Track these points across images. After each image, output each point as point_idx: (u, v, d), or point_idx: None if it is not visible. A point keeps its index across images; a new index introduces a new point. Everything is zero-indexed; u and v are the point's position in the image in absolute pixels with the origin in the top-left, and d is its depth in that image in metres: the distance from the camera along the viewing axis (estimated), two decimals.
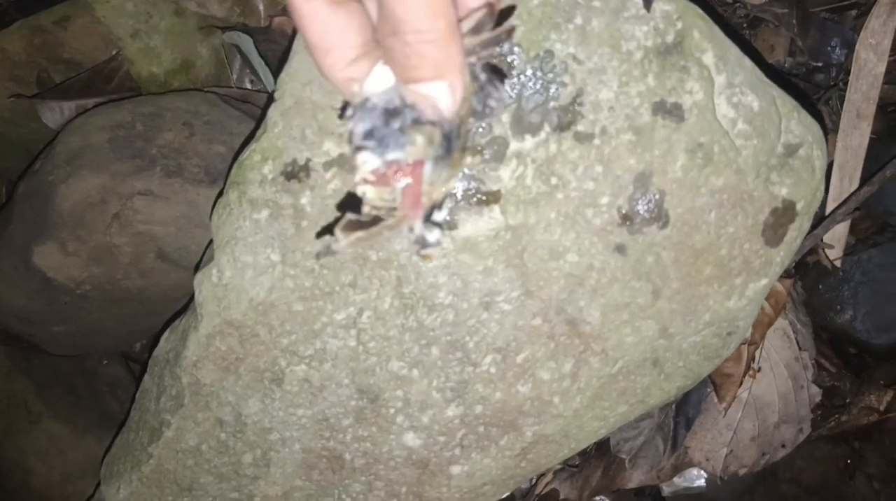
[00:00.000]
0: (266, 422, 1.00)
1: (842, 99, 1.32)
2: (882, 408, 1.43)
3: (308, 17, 0.56)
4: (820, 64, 1.38)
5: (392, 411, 0.97)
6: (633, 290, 0.92)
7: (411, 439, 0.98)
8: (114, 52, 1.32)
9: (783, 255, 0.93)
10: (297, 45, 0.93)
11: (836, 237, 1.36)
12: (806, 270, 1.43)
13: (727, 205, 0.90)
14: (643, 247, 0.90)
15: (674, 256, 0.91)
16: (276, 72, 1.30)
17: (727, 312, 0.94)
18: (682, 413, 1.33)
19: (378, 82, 0.56)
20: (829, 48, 1.38)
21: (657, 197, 0.89)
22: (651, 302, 0.92)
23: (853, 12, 1.38)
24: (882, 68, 1.29)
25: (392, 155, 0.56)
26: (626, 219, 0.89)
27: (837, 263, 1.37)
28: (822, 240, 1.34)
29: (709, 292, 0.93)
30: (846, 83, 1.31)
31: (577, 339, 0.93)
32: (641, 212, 0.89)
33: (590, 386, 0.96)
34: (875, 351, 1.42)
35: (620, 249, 0.90)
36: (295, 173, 0.92)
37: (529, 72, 0.88)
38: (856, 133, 1.31)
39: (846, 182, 1.32)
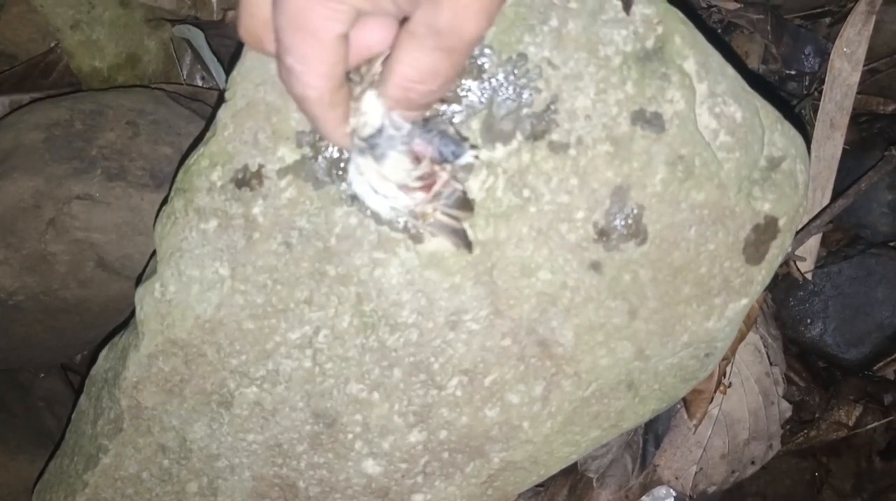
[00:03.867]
0: (213, 448, 0.93)
1: (815, 108, 1.29)
2: (851, 423, 1.41)
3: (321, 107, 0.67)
4: (793, 72, 1.35)
5: (350, 436, 0.91)
6: (609, 310, 0.87)
7: (371, 466, 0.92)
8: (52, 45, 1.24)
9: (764, 274, 0.89)
10: None
11: (808, 249, 1.33)
12: (776, 283, 1.40)
13: (708, 221, 0.85)
14: (620, 264, 0.85)
15: (652, 274, 0.86)
16: (228, 69, 1.22)
17: (706, 333, 0.89)
18: (651, 430, 1.29)
19: (373, 115, 0.67)
20: (803, 56, 1.35)
21: (635, 212, 0.84)
22: (627, 323, 0.87)
23: (827, 20, 1.35)
24: (856, 78, 1.26)
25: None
26: (603, 234, 0.84)
27: (808, 276, 1.34)
28: (793, 252, 1.31)
29: (687, 312, 0.88)
30: (820, 92, 1.29)
31: (549, 361, 0.88)
32: (618, 227, 0.84)
33: (561, 410, 0.90)
34: (844, 365, 1.40)
35: (596, 267, 0.85)
36: (246, 180, 0.85)
37: (501, 76, 0.82)
38: (829, 143, 1.28)
39: (819, 194, 1.29)
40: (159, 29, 1.28)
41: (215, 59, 1.25)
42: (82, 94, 1.18)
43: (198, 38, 1.26)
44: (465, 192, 0.79)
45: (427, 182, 0.72)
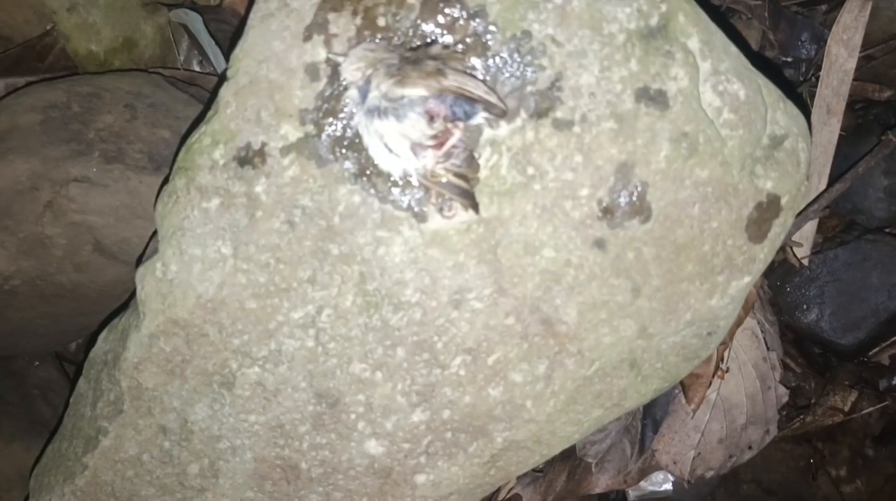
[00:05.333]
0: (214, 430, 0.92)
1: (812, 94, 1.30)
2: (846, 409, 1.42)
3: None
4: (790, 59, 1.36)
5: (353, 417, 0.91)
6: (612, 288, 0.87)
7: (373, 446, 0.92)
8: (48, 27, 1.22)
9: (766, 252, 0.89)
10: (253, 18, 0.85)
11: (804, 235, 1.33)
12: (772, 268, 1.41)
13: (711, 198, 0.85)
14: (624, 241, 0.85)
15: (655, 252, 0.86)
16: (227, 53, 1.22)
17: (709, 311, 0.90)
18: (650, 415, 1.29)
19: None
20: (799, 43, 1.36)
21: (639, 189, 0.84)
22: (630, 301, 0.87)
23: (823, 7, 1.36)
24: (853, 64, 1.27)
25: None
26: (607, 212, 0.84)
27: (805, 261, 1.34)
28: (790, 238, 1.31)
29: (690, 290, 0.88)
30: (817, 78, 1.29)
31: (552, 340, 0.88)
32: (623, 204, 0.84)
33: (564, 388, 0.90)
34: (840, 350, 1.41)
35: (600, 244, 0.85)
36: (249, 158, 0.85)
37: (505, 53, 0.82)
38: (826, 129, 1.29)
39: (815, 179, 1.29)
40: (156, 13, 1.27)
41: (213, 44, 1.24)
42: (79, 77, 1.17)
43: (195, 22, 1.25)
44: (472, 152, 0.82)
45: (440, 140, 0.77)
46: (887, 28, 1.31)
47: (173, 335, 0.89)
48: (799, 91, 1.32)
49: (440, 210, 0.83)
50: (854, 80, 1.29)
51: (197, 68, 1.31)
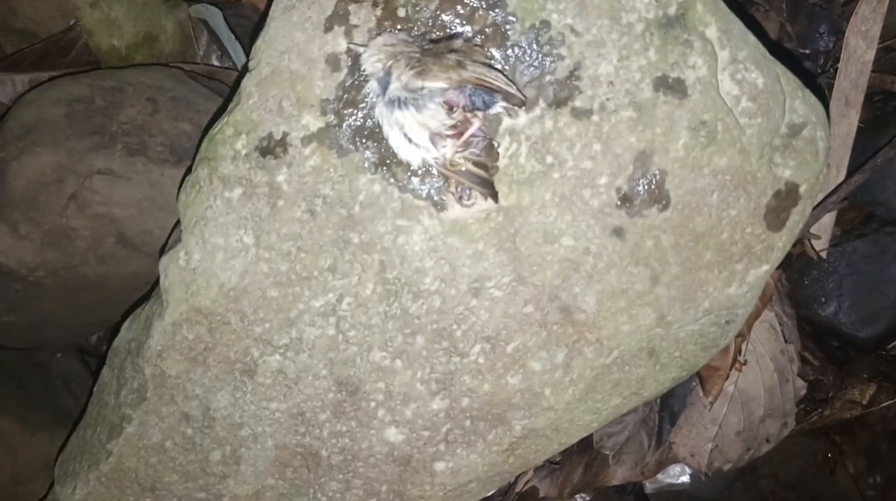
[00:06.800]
0: (236, 417, 0.93)
1: (830, 87, 1.29)
2: (865, 402, 1.41)
3: None
4: (808, 51, 1.35)
5: (373, 404, 0.91)
6: (631, 276, 0.87)
7: (393, 434, 0.93)
8: (71, 23, 1.24)
9: (785, 240, 0.89)
10: (275, 10, 0.86)
11: (823, 227, 1.33)
12: (790, 261, 1.40)
13: (730, 186, 0.86)
14: (642, 230, 0.86)
15: (674, 240, 0.86)
16: (246, 48, 1.23)
17: (727, 299, 0.90)
18: (667, 407, 1.30)
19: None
20: (818, 35, 1.35)
21: (658, 177, 0.84)
22: (649, 289, 0.88)
23: None
24: (871, 55, 1.26)
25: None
26: (626, 200, 0.85)
27: (823, 254, 1.34)
28: (808, 230, 1.31)
29: (709, 278, 0.88)
30: (835, 70, 1.29)
31: (571, 328, 0.89)
32: (641, 193, 0.84)
33: (583, 377, 0.91)
34: (858, 343, 1.40)
35: (618, 232, 0.85)
36: (271, 148, 0.86)
37: (524, 43, 0.83)
38: (844, 121, 1.28)
39: (833, 171, 1.29)
40: (176, 8, 1.28)
41: (233, 39, 1.25)
42: (102, 71, 1.18)
43: (215, 17, 1.26)
44: (492, 140, 0.82)
45: (459, 130, 0.77)
46: None
47: (196, 323, 0.90)
48: (817, 82, 1.32)
49: (459, 199, 0.84)
50: (872, 71, 1.28)
51: (216, 63, 1.32)
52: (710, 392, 1.29)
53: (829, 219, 1.32)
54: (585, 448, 1.32)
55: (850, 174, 1.28)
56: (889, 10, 1.26)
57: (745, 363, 1.30)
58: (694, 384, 1.29)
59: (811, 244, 1.33)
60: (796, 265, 1.40)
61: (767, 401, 1.32)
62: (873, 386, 1.41)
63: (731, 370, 1.28)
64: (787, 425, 1.34)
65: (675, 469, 1.36)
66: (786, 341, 1.32)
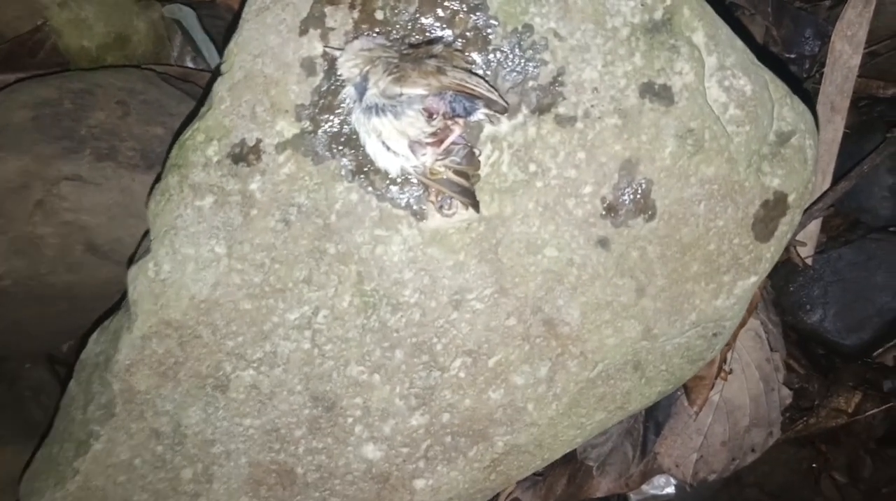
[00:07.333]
0: (208, 434, 0.90)
1: (815, 91, 1.28)
2: (850, 410, 1.40)
3: None
4: (793, 55, 1.34)
5: (350, 420, 0.89)
6: (616, 288, 0.85)
7: (371, 451, 0.90)
8: (39, 23, 1.20)
9: (773, 251, 0.88)
10: (248, 12, 0.83)
11: (808, 234, 1.31)
12: (775, 268, 1.38)
13: (717, 196, 0.83)
14: (628, 240, 0.83)
15: (660, 251, 0.84)
16: (221, 49, 1.20)
17: (714, 311, 0.88)
18: (652, 417, 1.27)
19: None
20: (803, 39, 1.33)
21: (644, 186, 0.82)
22: (634, 301, 0.85)
23: (827, 2, 1.34)
24: (857, 60, 1.25)
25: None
26: (611, 210, 0.82)
27: (809, 261, 1.32)
28: (794, 237, 1.29)
29: (696, 290, 0.86)
30: (820, 75, 1.27)
31: (555, 341, 0.86)
32: (627, 202, 0.82)
33: (567, 391, 0.88)
34: (844, 351, 1.39)
35: (603, 243, 0.83)
36: (244, 155, 0.83)
37: (506, 47, 0.81)
38: (830, 127, 1.27)
39: (819, 177, 1.27)
40: (149, 8, 1.25)
41: (208, 40, 1.22)
42: (71, 73, 1.14)
43: (189, 17, 1.23)
44: (473, 148, 0.80)
45: (439, 138, 0.75)
46: (892, 24, 1.29)
47: (166, 336, 0.87)
48: (804, 88, 1.30)
49: (440, 208, 0.82)
50: (858, 76, 1.27)
51: (191, 64, 1.28)
52: (695, 401, 1.27)
53: (814, 226, 1.31)
54: (569, 459, 1.29)
55: (836, 180, 1.26)
56: (875, 14, 1.24)
57: (730, 372, 1.28)
58: (678, 394, 1.27)
59: (797, 251, 1.31)
60: (782, 272, 1.38)
61: (753, 410, 1.30)
62: (859, 395, 1.40)
63: (716, 379, 1.26)
64: (773, 434, 1.33)
65: (659, 479, 1.34)
66: (771, 349, 1.30)
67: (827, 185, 1.28)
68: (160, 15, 1.26)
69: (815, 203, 1.24)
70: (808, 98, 1.20)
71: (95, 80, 1.12)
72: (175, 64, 1.28)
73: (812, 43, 1.34)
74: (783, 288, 1.38)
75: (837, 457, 1.46)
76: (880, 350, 1.39)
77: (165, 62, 1.27)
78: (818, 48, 1.33)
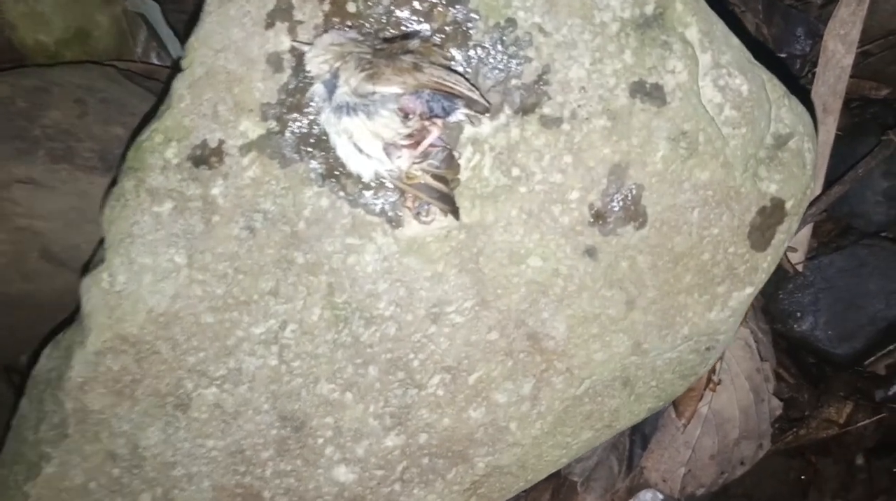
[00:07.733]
0: (168, 455, 0.85)
1: (806, 92, 1.24)
2: (841, 421, 1.36)
3: None
4: (784, 54, 1.30)
5: (320, 441, 0.83)
6: (604, 300, 0.80)
7: (343, 473, 0.85)
8: None
9: (770, 260, 0.83)
10: (210, 3, 0.78)
11: (799, 240, 1.27)
12: None
13: (712, 202, 0.79)
14: (617, 250, 0.78)
15: (651, 261, 0.79)
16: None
17: (708, 325, 0.83)
18: (638, 430, 1.23)
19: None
20: (794, 37, 1.30)
21: (634, 192, 0.77)
22: (624, 314, 0.81)
23: (819, 0, 1.30)
24: (850, 60, 1.21)
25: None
26: (599, 217, 0.77)
27: (800, 267, 1.28)
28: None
29: (688, 302, 0.82)
30: (812, 75, 1.23)
31: (539, 356, 0.81)
32: (616, 209, 0.77)
33: (552, 409, 0.84)
34: (835, 360, 1.35)
35: (591, 252, 0.78)
36: (205, 158, 0.77)
37: (488, 43, 0.76)
38: (822, 129, 1.23)
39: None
40: (112, 2, 1.19)
41: (173, 35, 1.17)
42: (26, 70, 1.09)
43: (153, 11, 1.18)
44: (452, 151, 0.75)
45: (416, 139, 0.70)
46: (886, 23, 1.26)
47: (122, 352, 0.81)
48: (802, 88, 1.26)
49: (417, 215, 0.77)
50: (851, 76, 1.23)
51: (155, 61, 1.23)
52: (684, 413, 1.22)
53: (806, 232, 1.27)
54: (552, 474, 1.24)
55: (828, 184, 1.22)
56: (869, 12, 1.21)
57: (719, 382, 1.24)
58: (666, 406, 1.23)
59: (787, 257, 1.27)
60: (771, 278, 1.33)
61: (742, 422, 1.26)
62: (850, 405, 1.36)
63: (705, 390, 1.22)
64: (763, 446, 1.29)
65: (646, 495, 1.29)
66: (761, 359, 1.26)
67: (819, 189, 1.24)
68: (123, 8, 1.20)
69: (808, 207, 1.20)
70: (807, 98, 1.17)
71: (52, 76, 1.06)
72: (139, 60, 1.22)
73: (804, 42, 1.30)
74: (773, 295, 1.34)
75: (827, 469, 1.43)
76: (872, 358, 1.36)
77: (128, 58, 1.21)
78: (809, 47, 1.29)
